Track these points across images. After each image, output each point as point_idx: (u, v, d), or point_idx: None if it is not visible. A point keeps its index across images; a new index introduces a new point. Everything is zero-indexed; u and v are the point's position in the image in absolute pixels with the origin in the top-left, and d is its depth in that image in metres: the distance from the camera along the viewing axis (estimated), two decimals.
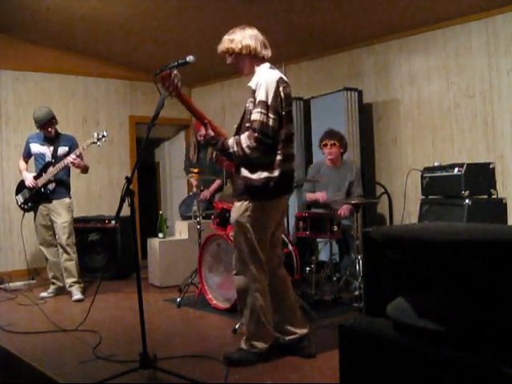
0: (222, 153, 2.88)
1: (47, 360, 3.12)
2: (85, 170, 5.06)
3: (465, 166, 3.99)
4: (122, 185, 2.73)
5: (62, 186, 5.02)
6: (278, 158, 2.82)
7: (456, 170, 4.02)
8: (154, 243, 5.46)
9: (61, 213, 4.94)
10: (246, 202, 2.84)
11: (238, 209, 2.86)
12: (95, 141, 4.82)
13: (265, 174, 2.79)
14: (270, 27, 5.65)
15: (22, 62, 6.52)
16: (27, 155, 5.16)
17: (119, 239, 6.00)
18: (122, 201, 2.70)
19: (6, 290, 5.29)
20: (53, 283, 5.09)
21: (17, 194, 5.14)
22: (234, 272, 2.97)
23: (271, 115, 2.74)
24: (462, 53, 5.00)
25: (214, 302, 4.25)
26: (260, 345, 2.92)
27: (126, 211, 3.00)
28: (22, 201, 5.08)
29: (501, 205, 4.05)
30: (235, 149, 2.76)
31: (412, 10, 4.92)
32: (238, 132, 2.90)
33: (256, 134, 2.71)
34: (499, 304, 1.41)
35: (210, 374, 2.79)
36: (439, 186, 4.21)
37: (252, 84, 2.84)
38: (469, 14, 4.86)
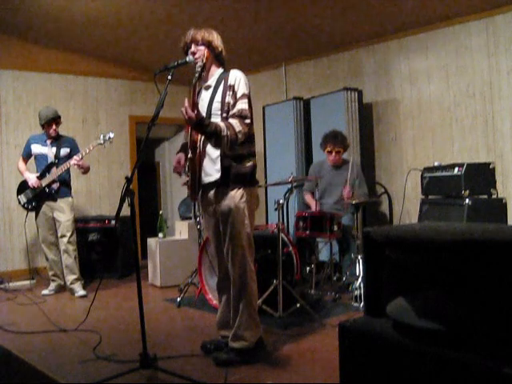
0: (212, 135, 2.78)
1: (47, 360, 3.12)
2: (87, 170, 5.10)
3: (465, 166, 3.99)
4: (122, 185, 2.73)
5: (65, 185, 5.12)
6: (255, 148, 3.03)
7: (456, 169, 4.03)
8: (154, 243, 5.47)
9: (65, 211, 5.04)
10: (241, 189, 2.88)
11: (234, 195, 2.87)
12: (101, 142, 4.91)
13: (251, 163, 2.95)
14: (270, 27, 5.69)
15: (22, 62, 6.52)
16: (27, 156, 5.20)
17: (119, 239, 6.00)
18: (122, 201, 2.70)
19: (6, 290, 5.30)
20: (53, 280, 5.15)
21: (18, 195, 5.17)
22: (230, 264, 2.90)
23: (251, 108, 2.93)
24: (462, 53, 5.00)
25: (214, 302, 4.25)
26: (249, 335, 2.90)
27: (126, 211, 3.00)
28: (25, 201, 5.12)
29: (501, 205, 4.05)
30: (227, 132, 2.77)
31: (412, 9, 4.92)
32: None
33: (247, 121, 2.86)
34: (499, 304, 1.41)
35: (210, 374, 2.78)
36: (439, 186, 4.21)
37: (230, 79, 2.91)
38: (469, 13, 4.86)
